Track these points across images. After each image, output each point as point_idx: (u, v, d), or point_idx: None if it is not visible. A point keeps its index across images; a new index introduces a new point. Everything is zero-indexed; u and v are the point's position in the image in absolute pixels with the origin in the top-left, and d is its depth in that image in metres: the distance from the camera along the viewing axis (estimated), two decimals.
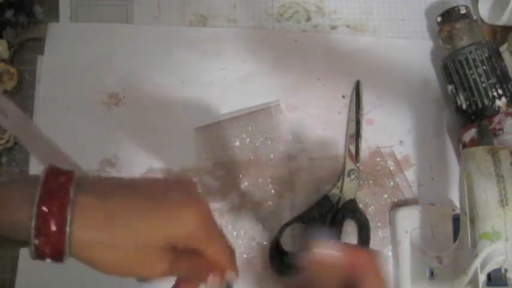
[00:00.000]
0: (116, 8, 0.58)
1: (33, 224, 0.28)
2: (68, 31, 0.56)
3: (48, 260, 0.29)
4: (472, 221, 0.40)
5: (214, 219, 0.33)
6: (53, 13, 0.57)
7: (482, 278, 0.39)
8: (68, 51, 0.56)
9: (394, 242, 0.53)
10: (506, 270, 0.41)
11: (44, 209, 0.28)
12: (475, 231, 0.40)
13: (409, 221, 0.53)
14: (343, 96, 0.58)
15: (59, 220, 0.28)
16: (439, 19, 0.57)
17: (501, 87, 0.53)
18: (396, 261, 0.53)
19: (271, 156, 0.55)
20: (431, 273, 0.49)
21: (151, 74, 0.56)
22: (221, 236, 0.34)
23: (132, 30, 0.57)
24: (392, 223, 0.54)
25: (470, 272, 0.40)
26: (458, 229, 0.46)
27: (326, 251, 0.32)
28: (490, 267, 0.39)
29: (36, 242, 0.28)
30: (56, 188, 0.29)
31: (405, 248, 0.52)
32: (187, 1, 0.59)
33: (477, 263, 0.39)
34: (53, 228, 0.28)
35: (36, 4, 0.56)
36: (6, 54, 0.53)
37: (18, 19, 0.54)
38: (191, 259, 0.33)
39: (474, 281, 0.40)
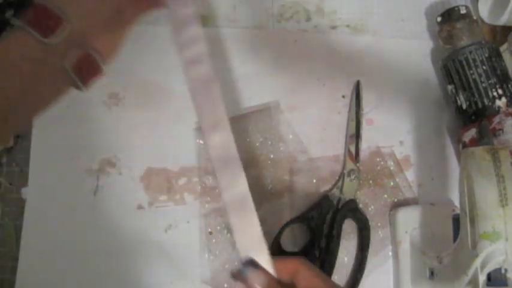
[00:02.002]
0: None
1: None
2: None
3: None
4: (472, 221, 0.40)
5: None
6: None
7: (482, 278, 0.39)
8: None
9: (394, 242, 0.54)
10: (506, 270, 0.41)
11: None
12: (475, 231, 0.40)
13: (409, 221, 0.53)
14: (343, 96, 0.58)
15: None
16: (439, 19, 0.57)
17: (501, 87, 0.53)
18: (396, 261, 0.53)
19: (271, 156, 0.55)
20: (431, 273, 0.49)
21: (151, 74, 0.56)
22: None
23: (132, 30, 0.57)
24: (392, 223, 0.54)
25: (470, 272, 0.40)
26: (458, 229, 0.46)
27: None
28: (490, 267, 0.39)
29: None
30: None
31: (405, 248, 0.52)
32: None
33: (477, 263, 0.39)
34: None
35: None
36: None
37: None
38: None
39: (474, 281, 0.40)
